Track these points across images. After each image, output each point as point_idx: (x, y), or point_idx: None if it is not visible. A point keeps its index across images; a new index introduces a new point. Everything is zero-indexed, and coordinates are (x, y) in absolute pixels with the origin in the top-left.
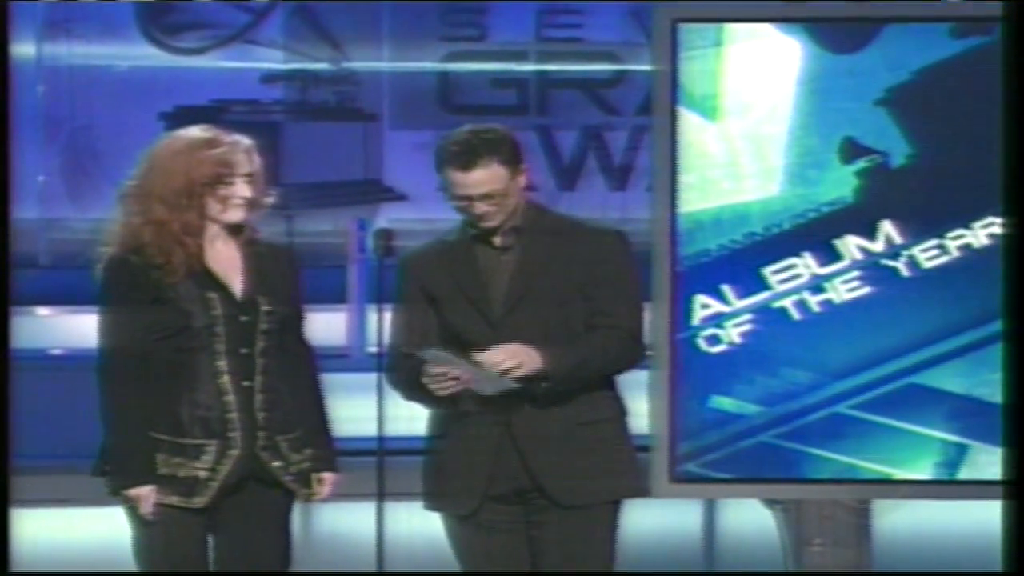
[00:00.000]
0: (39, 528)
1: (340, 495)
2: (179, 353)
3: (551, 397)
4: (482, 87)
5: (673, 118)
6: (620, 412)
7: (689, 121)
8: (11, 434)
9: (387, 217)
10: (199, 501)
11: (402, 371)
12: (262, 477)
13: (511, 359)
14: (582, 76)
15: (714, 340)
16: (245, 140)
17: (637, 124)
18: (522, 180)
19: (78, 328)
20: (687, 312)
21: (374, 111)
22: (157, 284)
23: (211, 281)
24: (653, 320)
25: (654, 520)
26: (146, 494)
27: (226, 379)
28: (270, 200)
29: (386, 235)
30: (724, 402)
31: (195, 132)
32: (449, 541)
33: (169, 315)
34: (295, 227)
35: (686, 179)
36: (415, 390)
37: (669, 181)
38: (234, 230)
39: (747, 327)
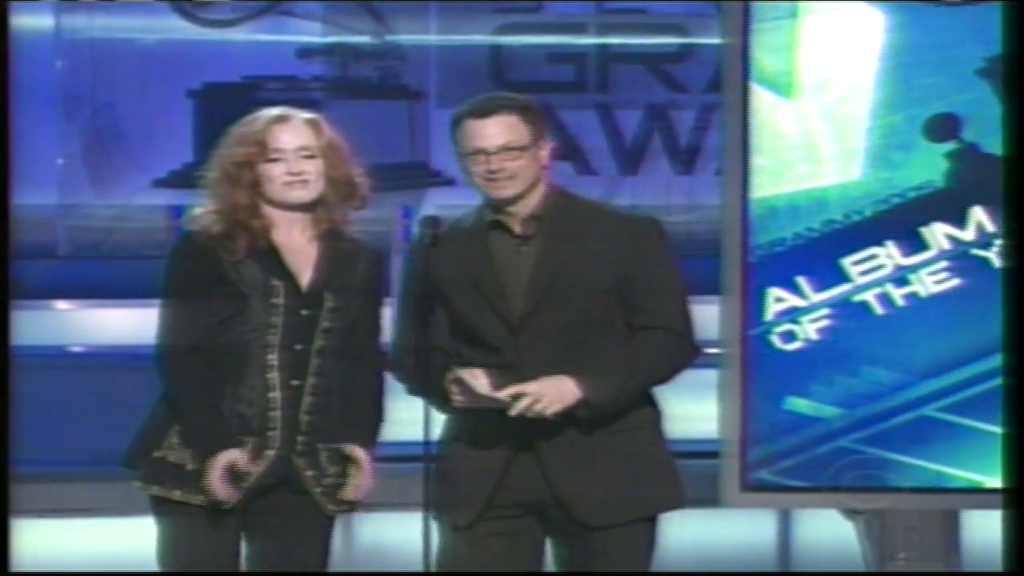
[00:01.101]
0: (52, 540)
1: (384, 504)
2: (230, 341)
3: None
4: (538, 62)
5: (744, 95)
6: (656, 417)
7: (762, 99)
8: (12, 437)
9: (434, 203)
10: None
11: (414, 365)
12: (293, 484)
13: (533, 401)
14: (646, 50)
15: (789, 337)
16: (303, 114)
17: (706, 102)
18: (544, 156)
19: (99, 323)
20: (760, 307)
21: (420, 88)
22: (220, 263)
23: (278, 268)
24: (723, 315)
25: (724, 531)
26: (233, 456)
27: (275, 375)
28: (360, 178)
29: (433, 223)
30: (800, 404)
31: (256, 112)
32: (439, 556)
33: (226, 298)
34: None
35: (759, 162)
36: (431, 388)
37: (740, 164)
38: (315, 219)
39: (825, 322)
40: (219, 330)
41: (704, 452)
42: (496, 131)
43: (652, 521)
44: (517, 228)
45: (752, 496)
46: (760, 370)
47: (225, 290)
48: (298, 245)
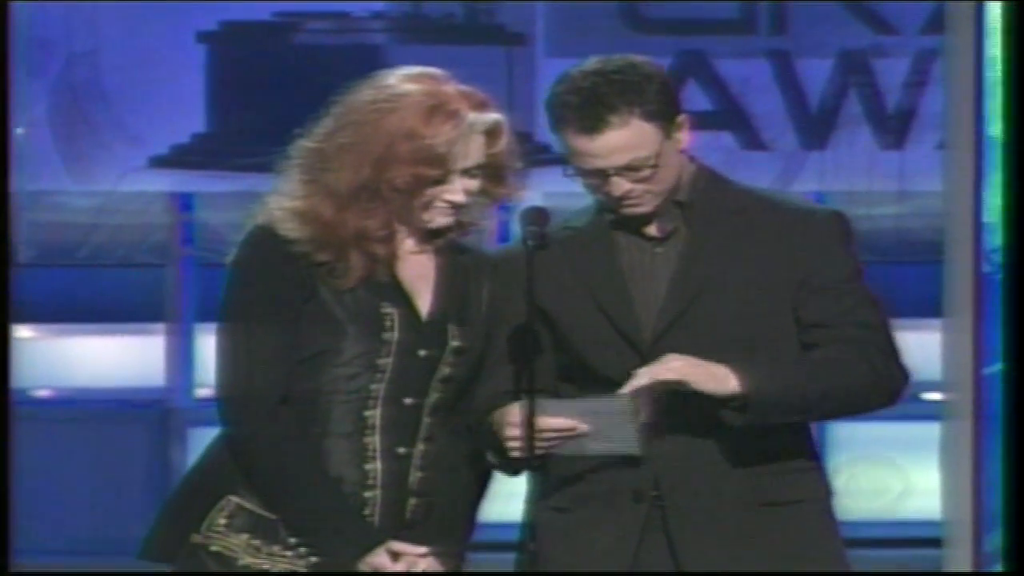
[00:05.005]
0: None
1: None
2: (316, 389)
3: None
4: None
5: (978, 39)
6: (825, 490)
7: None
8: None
9: (541, 190)
10: None
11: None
12: None
13: (669, 372)
14: None
15: None
16: (486, 117)
17: (922, 48)
18: (682, 138)
19: (75, 358)
20: (999, 335)
21: (522, 30)
22: (313, 278)
23: (392, 290)
24: (948, 347)
25: None
26: (382, 562)
27: (375, 439)
28: (516, 190)
29: (539, 217)
30: None
31: (417, 91)
32: None
33: (316, 327)
34: None
35: (997, 132)
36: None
37: (971, 135)
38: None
39: None
40: (301, 372)
41: (923, 538)
42: (613, 146)
43: None
44: (652, 229)
45: None
46: (1000, 424)
47: (315, 317)
48: (412, 259)
